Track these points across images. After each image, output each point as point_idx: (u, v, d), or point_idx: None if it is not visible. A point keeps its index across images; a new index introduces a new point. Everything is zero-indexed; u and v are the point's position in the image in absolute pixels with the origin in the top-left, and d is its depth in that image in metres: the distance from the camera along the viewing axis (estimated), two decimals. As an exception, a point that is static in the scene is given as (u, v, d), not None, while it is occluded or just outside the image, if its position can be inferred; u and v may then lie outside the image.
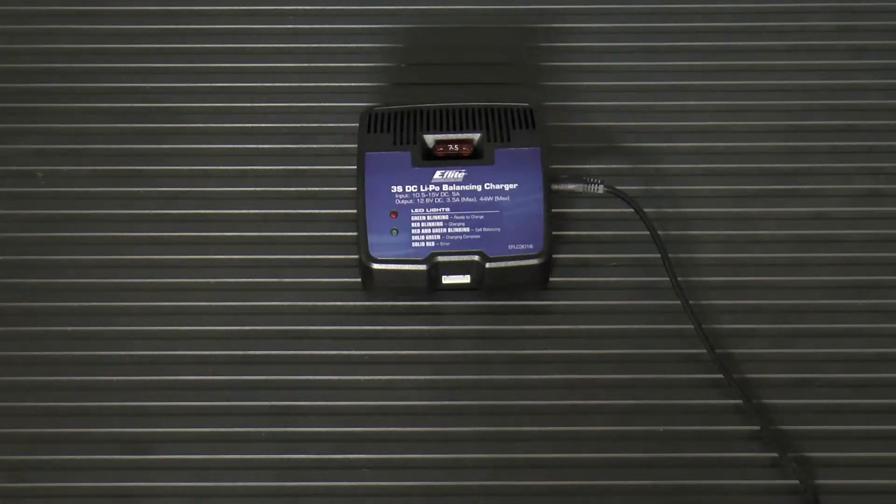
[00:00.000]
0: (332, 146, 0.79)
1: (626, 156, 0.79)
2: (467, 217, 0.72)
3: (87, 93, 0.81)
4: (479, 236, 0.72)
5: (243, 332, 0.73)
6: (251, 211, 0.77)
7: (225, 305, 0.74)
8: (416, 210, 0.72)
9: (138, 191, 0.78)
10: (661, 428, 0.71)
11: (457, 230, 0.72)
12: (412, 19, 0.84)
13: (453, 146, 0.74)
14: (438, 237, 0.71)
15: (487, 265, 0.71)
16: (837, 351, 0.73)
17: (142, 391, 0.72)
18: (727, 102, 0.81)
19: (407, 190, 0.72)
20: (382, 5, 0.84)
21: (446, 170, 0.73)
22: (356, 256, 0.73)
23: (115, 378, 0.72)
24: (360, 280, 0.74)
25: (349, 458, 0.70)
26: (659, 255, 0.74)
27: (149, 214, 0.77)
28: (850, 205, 0.77)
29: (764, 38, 0.83)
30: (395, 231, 0.71)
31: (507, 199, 0.72)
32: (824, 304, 0.74)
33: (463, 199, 0.72)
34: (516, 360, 0.73)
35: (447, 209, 0.72)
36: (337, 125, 0.80)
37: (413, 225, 0.72)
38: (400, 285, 0.72)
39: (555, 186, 0.74)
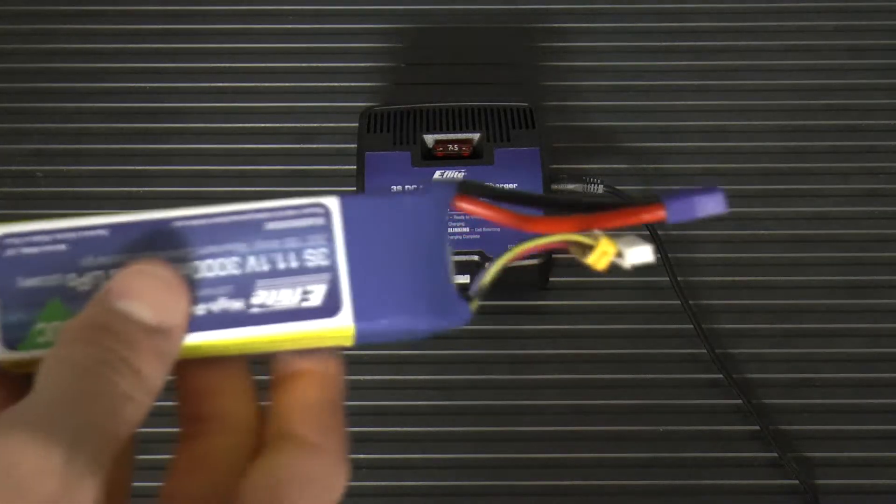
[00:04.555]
0: (332, 146, 0.79)
1: (626, 156, 0.79)
2: (467, 217, 0.72)
3: (87, 93, 0.81)
4: (478, 236, 0.72)
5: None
6: (251, 211, 0.77)
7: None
8: (416, 210, 0.72)
9: (138, 191, 0.78)
10: (661, 428, 0.71)
11: (456, 230, 0.72)
12: (412, 19, 0.84)
13: (453, 146, 0.74)
14: (438, 237, 0.71)
15: (487, 265, 0.71)
16: (837, 351, 0.73)
17: (142, 391, 0.72)
18: (727, 102, 0.81)
19: (407, 190, 0.72)
20: (382, 5, 0.84)
21: (446, 170, 0.73)
22: (356, 256, 0.73)
23: (115, 378, 0.72)
24: (359, 280, 0.74)
25: (349, 458, 0.70)
26: (659, 255, 0.74)
27: (149, 214, 0.77)
28: (850, 205, 0.77)
29: (764, 38, 0.83)
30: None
31: (507, 199, 0.72)
32: (824, 304, 0.74)
33: (463, 199, 0.72)
34: (516, 360, 0.73)
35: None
36: (337, 125, 0.80)
37: (413, 225, 0.71)
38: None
39: (555, 186, 0.74)
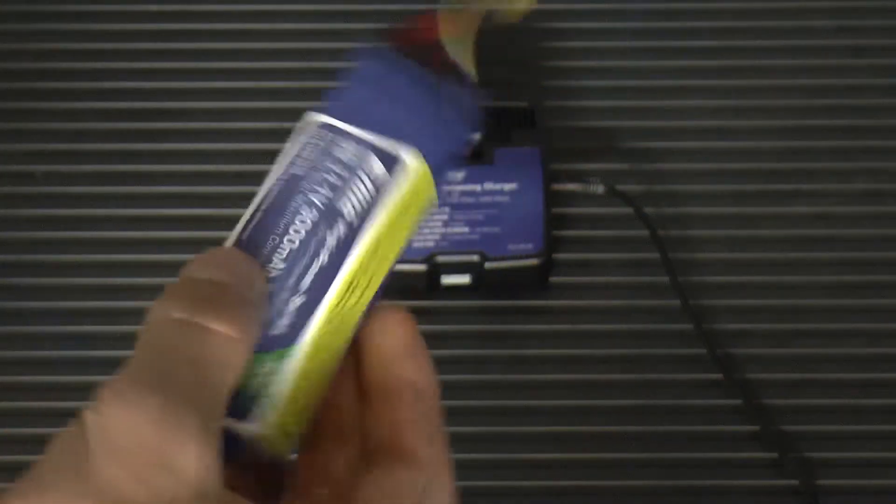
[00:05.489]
0: (332, 146, 0.79)
1: (626, 156, 0.79)
2: (467, 217, 0.72)
3: (87, 93, 0.81)
4: (478, 236, 0.72)
5: (243, 332, 0.73)
6: (251, 211, 0.77)
7: (225, 305, 0.74)
8: (416, 210, 0.72)
9: (138, 190, 0.78)
10: (661, 428, 0.71)
11: (456, 230, 0.72)
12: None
13: (453, 146, 0.74)
14: (438, 237, 0.71)
15: (487, 265, 0.71)
16: (837, 351, 0.73)
17: (141, 391, 0.71)
18: (727, 102, 0.80)
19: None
20: (382, 5, 0.84)
21: (446, 169, 0.73)
22: (356, 256, 0.73)
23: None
24: (359, 280, 0.74)
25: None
26: (659, 255, 0.74)
27: (149, 214, 0.77)
28: (850, 205, 0.77)
29: (764, 37, 0.83)
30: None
31: (507, 198, 0.72)
32: (824, 304, 0.74)
33: (462, 199, 0.72)
34: (516, 360, 0.73)
35: (446, 209, 0.72)
36: (337, 125, 0.80)
37: (413, 225, 0.72)
38: (399, 285, 0.72)
39: (555, 186, 0.74)
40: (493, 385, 0.72)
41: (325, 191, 0.39)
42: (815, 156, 0.79)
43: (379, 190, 0.39)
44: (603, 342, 0.73)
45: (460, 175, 0.73)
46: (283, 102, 0.81)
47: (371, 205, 0.38)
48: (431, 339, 0.74)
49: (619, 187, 0.76)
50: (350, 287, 0.38)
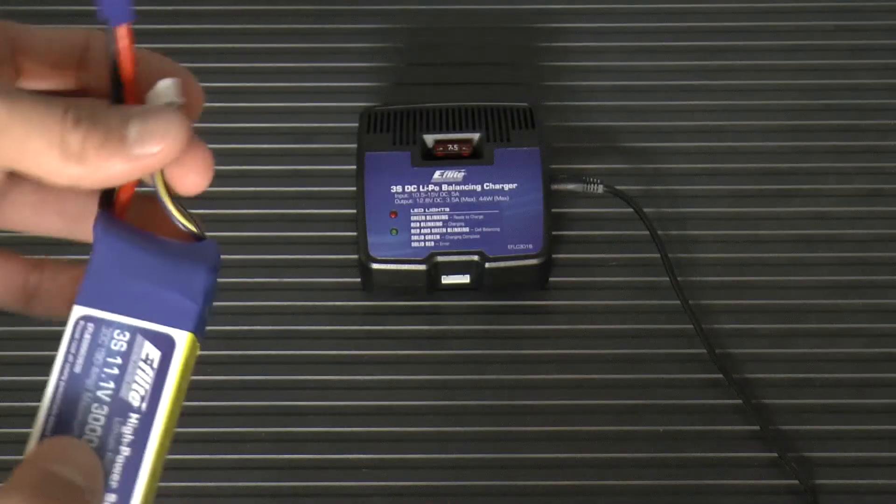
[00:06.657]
0: (332, 146, 0.79)
1: (626, 156, 0.79)
2: (467, 217, 0.72)
3: (87, 93, 0.81)
4: (478, 236, 0.72)
5: (243, 332, 0.73)
6: (251, 211, 0.77)
7: (225, 305, 0.74)
8: (416, 210, 0.72)
9: (138, 191, 0.78)
10: (661, 428, 0.71)
11: (456, 230, 0.72)
12: (412, 19, 0.84)
13: (453, 146, 0.74)
14: (438, 237, 0.72)
15: (487, 265, 0.71)
16: (837, 351, 0.73)
17: (142, 391, 0.72)
18: (727, 102, 0.81)
19: (406, 190, 0.72)
20: (382, 5, 0.84)
21: (446, 170, 0.73)
22: (356, 256, 0.73)
23: (114, 378, 0.72)
24: (359, 280, 0.74)
25: (349, 458, 0.70)
26: (659, 255, 0.74)
27: (149, 214, 0.77)
28: (850, 205, 0.77)
29: (764, 38, 0.83)
30: (394, 231, 0.71)
31: (507, 198, 0.72)
32: (824, 304, 0.74)
33: (462, 199, 0.72)
34: (516, 360, 0.73)
35: (447, 209, 0.72)
36: (337, 125, 0.80)
37: (413, 225, 0.72)
38: (400, 285, 0.72)
39: (555, 186, 0.74)
40: (493, 385, 0.72)
41: (108, 384, 0.39)
42: (815, 156, 0.79)
43: (158, 370, 0.39)
44: (603, 342, 0.73)
45: (460, 175, 0.73)
46: (283, 103, 0.81)
47: (155, 386, 0.39)
48: (431, 340, 0.74)
49: (619, 187, 0.76)
50: (154, 474, 0.39)
